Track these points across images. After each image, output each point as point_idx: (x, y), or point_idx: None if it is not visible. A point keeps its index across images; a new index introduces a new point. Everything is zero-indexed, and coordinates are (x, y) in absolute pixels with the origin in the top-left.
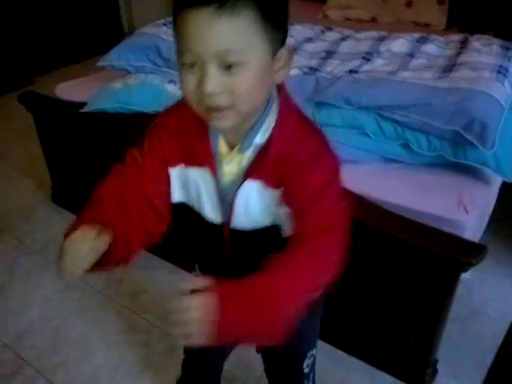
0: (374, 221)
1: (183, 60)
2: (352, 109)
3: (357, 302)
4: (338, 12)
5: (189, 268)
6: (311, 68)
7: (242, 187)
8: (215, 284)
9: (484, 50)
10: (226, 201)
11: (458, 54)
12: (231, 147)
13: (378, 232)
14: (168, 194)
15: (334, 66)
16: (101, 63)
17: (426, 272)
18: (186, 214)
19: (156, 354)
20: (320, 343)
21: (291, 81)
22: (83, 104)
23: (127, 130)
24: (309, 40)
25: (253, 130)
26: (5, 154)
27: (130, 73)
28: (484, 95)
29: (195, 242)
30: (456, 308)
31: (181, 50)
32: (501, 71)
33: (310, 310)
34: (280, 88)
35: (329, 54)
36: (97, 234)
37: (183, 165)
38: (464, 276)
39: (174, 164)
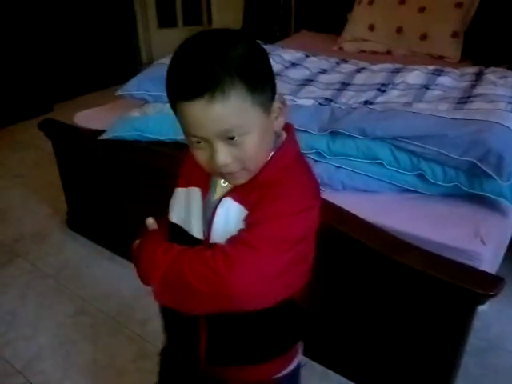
0: (389, 251)
1: (190, 139)
2: (367, 139)
3: (371, 334)
4: (352, 44)
5: None
6: (326, 99)
7: (221, 203)
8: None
9: (499, 83)
10: (208, 217)
11: (473, 86)
12: None
13: (393, 262)
14: None
15: (348, 97)
16: (120, 92)
17: (442, 304)
18: (177, 233)
19: None
20: (332, 374)
21: (306, 111)
22: (102, 132)
23: (144, 158)
24: (324, 71)
25: None
26: (23, 178)
27: (147, 102)
28: (500, 127)
29: None
30: (473, 341)
31: (186, 133)
32: None
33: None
34: (288, 129)
35: (344, 86)
36: None
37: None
38: (481, 308)
39: (183, 185)
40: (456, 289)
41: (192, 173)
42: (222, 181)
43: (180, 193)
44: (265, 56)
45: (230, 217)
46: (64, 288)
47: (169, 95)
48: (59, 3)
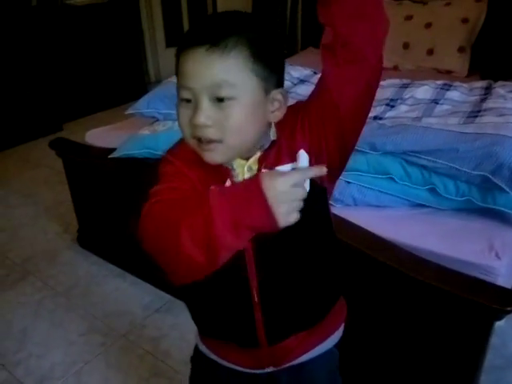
0: (404, 266)
1: (181, 95)
2: (377, 154)
3: (385, 350)
4: None
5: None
6: None
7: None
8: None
9: (509, 96)
10: None
11: (483, 100)
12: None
13: (408, 278)
14: None
15: None
16: (130, 111)
17: (459, 320)
18: None
19: None
20: None
21: None
22: (112, 150)
23: (154, 176)
24: None
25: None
26: (33, 197)
27: (158, 120)
28: (511, 140)
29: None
30: (490, 358)
31: (178, 86)
32: None
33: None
34: None
35: None
36: None
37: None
38: (498, 324)
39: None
40: (472, 304)
41: (204, 177)
42: (246, 168)
43: None
44: (279, 41)
45: None
46: (75, 306)
47: (177, 50)
48: (69, 24)
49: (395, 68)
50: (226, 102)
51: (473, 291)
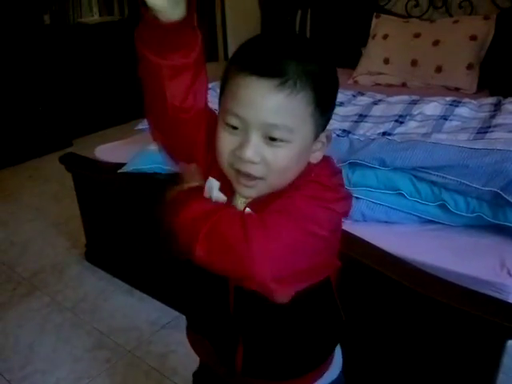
0: (414, 283)
1: (227, 120)
2: (387, 170)
3: (395, 368)
4: (367, 78)
5: None
6: (344, 130)
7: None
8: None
9: None
10: None
11: (492, 116)
12: None
13: (418, 295)
14: None
15: (366, 129)
16: (139, 127)
17: (470, 338)
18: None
19: None
20: None
21: None
22: (122, 165)
23: (163, 190)
24: (341, 104)
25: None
26: (42, 212)
27: None
28: None
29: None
30: (503, 378)
31: (226, 109)
32: None
33: None
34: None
35: (361, 118)
36: None
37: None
38: (510, 343)
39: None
40: (484, 322)
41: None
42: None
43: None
44: (337, 82)
45: None
46: (82, 321)
47: (235, 62)
48: (81, 42)
49: (404, 85)
50: (277, 142)
51: (484, 309)
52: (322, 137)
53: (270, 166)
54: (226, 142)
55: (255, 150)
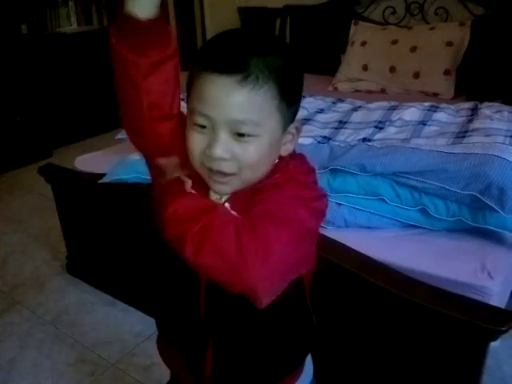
0: (396, 288)
1: (195, 120)
2: (367, 175)
3: (379, 373)
4: (347, 84)
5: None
6: (325, 137)
7: None
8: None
9: (495, 117)
10: None
11: (470, 120)
12: None
13: (401, 299)
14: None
15: (346, 135)
16: (120, 136)
17: (453, 341)
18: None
19: None
20: None
21: (305, 149)
22: (102, 175)
23: (144, 200)
24: (321, 111)
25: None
26: (22, 224)
27: None
28: (499, 160)
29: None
30: (486, 380)
31: (193, 109)
32: None
33: None
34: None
35: (341, 124)
36: None
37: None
38: (493, 345)
39: None
40: (466, 325)
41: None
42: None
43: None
44: (301, 74)
45: None
46: (64, 335)
47: (197, 62)
48: (59, 52)
49: (383, 91)
50: (245, 138)
51: (466, 312)
52: (291, 128)
53: (241, 161)
54: (196, 141)
55: (224, 148)
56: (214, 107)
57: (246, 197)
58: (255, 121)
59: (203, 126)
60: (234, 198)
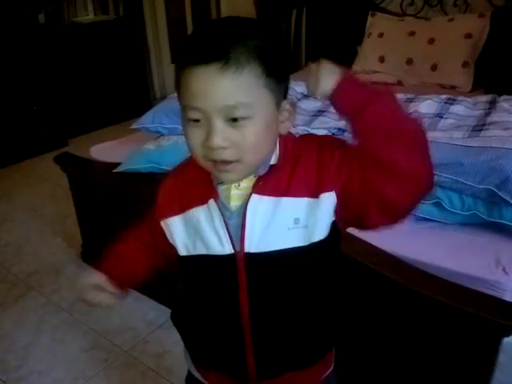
0: (410, 282)
1: (188, 116)
2: None
3: (392, 369)
4: (363, 76)
5: None
6: (339, 129)
7: (250, 201)
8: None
9: None
10: (235, 224)
11: (487, 114)
12: None
13: (415, 293)
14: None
15: None
16: (135, 126)
17: (466, 336)
18: (199, 263)
19: None
20: None
21: None
22: (117, 164)
23: (158, 190)
24: None
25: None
26: (38, 212)
27: (162, 134)
28: None
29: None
30: (498, 376)
31: (185, 105)
32: None
33: None
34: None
35: None
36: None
37: (185, 210)
38: (506, 341)
39: (171, 214)
40: (479, 320)
41: (178, 198)
42: (234, 185)
43: (175, 222)
44: (286, 51)
45: (262, 214)
46: (78, 322)
47: (179, 59)
48: (76, 41)
49: (399, 83)
50: (240, 122)
51: (480, 306)
52: (285, 104)
53: (241, 146)
54: (194, 136)
55: (222, 136)
56: (202, 98)
57: (270, 179)
58: (245, 102)
59: (197, 120)
60: (257, 187)
